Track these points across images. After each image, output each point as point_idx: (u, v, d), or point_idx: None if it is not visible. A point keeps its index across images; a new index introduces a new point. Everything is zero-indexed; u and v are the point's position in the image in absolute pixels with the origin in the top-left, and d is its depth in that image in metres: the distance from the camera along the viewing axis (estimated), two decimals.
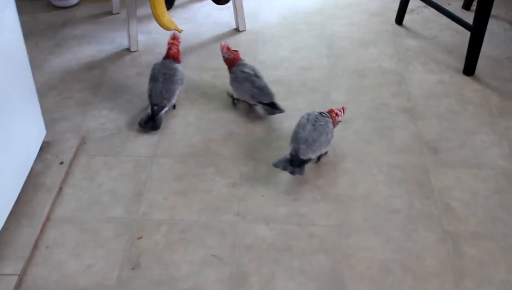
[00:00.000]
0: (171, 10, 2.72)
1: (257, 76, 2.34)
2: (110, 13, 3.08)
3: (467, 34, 2.62)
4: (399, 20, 2.98)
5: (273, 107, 2.32)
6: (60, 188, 2.02)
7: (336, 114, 2.17)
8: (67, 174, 2.08)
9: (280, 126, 2.29)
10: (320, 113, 2.13)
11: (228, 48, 2.39)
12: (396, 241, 1.85)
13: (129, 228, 1.88)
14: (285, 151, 2.17)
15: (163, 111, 2.29)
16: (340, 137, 2.24)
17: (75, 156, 2.16)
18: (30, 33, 2.89)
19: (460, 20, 2.64)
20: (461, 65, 2.63)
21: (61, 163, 2.10)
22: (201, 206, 1.96)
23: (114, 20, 3.03)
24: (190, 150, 2.19)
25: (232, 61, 2.39)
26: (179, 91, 2.37)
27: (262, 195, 2.00)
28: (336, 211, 1.94)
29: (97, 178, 2.07)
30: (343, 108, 2.20)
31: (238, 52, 2.40)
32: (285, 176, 2.06)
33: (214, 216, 1.93)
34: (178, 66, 2.40)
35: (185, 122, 2.32)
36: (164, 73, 2.34)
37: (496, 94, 2.46)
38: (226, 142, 2.22)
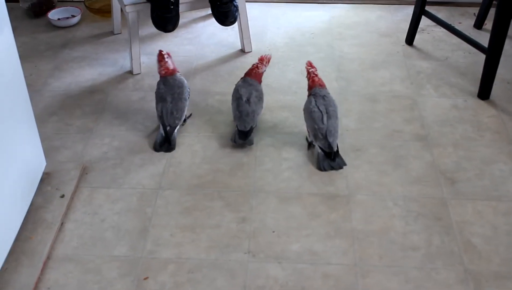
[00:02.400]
0: (175, 31, 2.63)
1: (248, 100, 2.24)
2: (112, 33, 3.00)
3: (479, 54, 2.55)
4: (410, 40, 2.90)
5: (241, 137, 2.23)
6: (62, 224, 1.93)
7: (313, 77, 2.26)
8: (68, 208, 1.99)
9: (289, 156, 2.21)
10: (323, 97, 2.20)
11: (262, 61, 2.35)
12: (416, 281, 1.76)
13: (134, 268, 1.79)
14: (296, 181, 2.09)
15: (176, 130, 2.25)
16: (353, 167, 2.15)
17: (76, 188, 2.07)
18: (28, 54, 2.81)
19: (473, 41, 2.56)
20: (475, 88, 2.55)
21: (62, 196, 2.01)
22: (209, 243, 1.87)
23: (116, 41, 2.94)
24: (197, 181, 2.10)
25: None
26: (187, 105, 2.32)
27: (273, 231, 1.91)
28: (351, 248, 1.85)
29: (99, 212, 1.98)
30: (310, 66, 2.29)
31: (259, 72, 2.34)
32: (296, 209, 1.98)
33: (224, 254, 1.84)
34: (183, 81, 2.33)
35: (191, 151, 2.23)
36: (172, 93, 2.27)
37: None
38: (234, 172, 2.13)
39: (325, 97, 2.20)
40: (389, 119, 2.39)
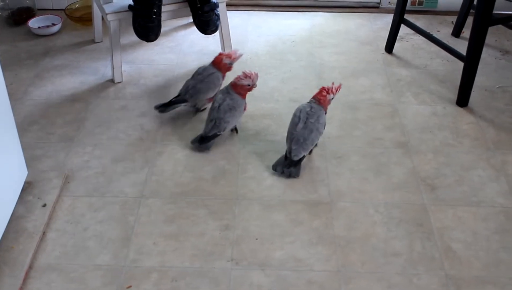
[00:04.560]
0: (156, 40, 2.63)
1: (219, 106, 2.25)
2: (93, 41, 2.99)
3: (458, 62, 2.58)
4: (389, 48, 2.93)
5: (198, 140, 2.26)
6: (44, 233, 1.92)
7: (327, 92, 2.20)
8: (50, 217, 1.98)
9: (272, 163, 2.21)
10: (311, 108, 2.18)
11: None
12: (398, 286, 1.77)
13: (117, 277, 1.79)
14: (279, 189, 2.10)
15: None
16: (335, 174, 2.17)
17: (58, 197, 2.06)
18: (9, 63, 2.80)
19: (451, 49, 2.59)
20: (453, 95, 2.58)
21: (44, 205, 2.00)
22: (193, 251, 1.87)
23: (97, 49, 2.94)
24: (180, 189, 2.10)
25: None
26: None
27: (256, 239, 1.92)
28: (334, 255, 1.87)
29: (82, 221, 1.98)
30: (338, 87, 2.23)
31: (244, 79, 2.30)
32: (279, 217, 1.99)
33: (207, 262, 1.84)
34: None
35: (173, 159, 2.23)
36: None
37: (491, 127, 2.41)
38: (217, 180, 2.14)
39: (312, 109, 2.18)
40: (370, 126, 2.41)
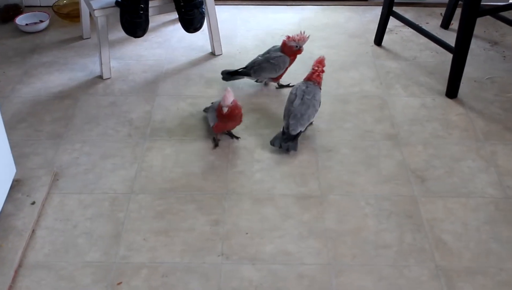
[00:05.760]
0: (145, 35, 2.62)
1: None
2: (81, 38, 2.98)
3: (446, 54, 2.58)
4: (379, 41, 2.93)
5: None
6: (33, 231, 1.91)
7: (319, 74, 2.29)
8: (39, 215, 1.97)
9: (261, 157, 2.21)
10: (307, 86, 2.26)
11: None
12: (389, 278, 1.77)
13: (108, 273, 1.78)
14: (268, 183, 2.10)
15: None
16: (325, 168, 2.16)
17: (47, 194, 2.05)
18: None
19: (440, 41, 2.59)
20: (443, 87, 2.58)
21: (33, 203, 1.99)
22: (183, 246, 1.87)
23: (85, 46, 2.92)
24: (169, 185, 2.09)
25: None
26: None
27: (247, 233, 1.91)
28: (325, 248, 1.86)
29: (71, 218, 1.97)
30: (320, 62, 2.31)
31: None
32: (269, 211, 1.98)
33: (197, 257, 1.83)
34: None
35: (162, 155, 2.22)
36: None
37: (481, 118, 2.42)
38: (206, 175, 2.13)
39: (308, 87, 2.26)
40: (360, 119, 2.41)
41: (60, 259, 1.83)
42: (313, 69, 2.31)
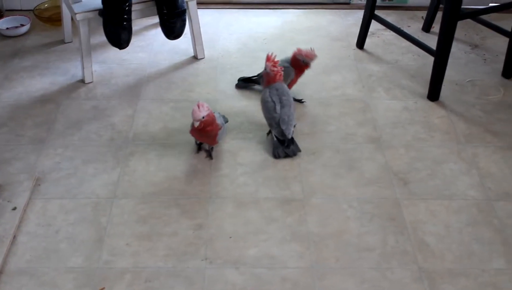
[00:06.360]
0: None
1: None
2: (63, 42, 2.96)
3: (428, 57, 2.59)
4: (361, 44, 2.94)
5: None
6: (14, 237, 1.89)
7: (280, 73, 2.28)
8: (21, 220, 1.95)
9: (245, 161, 2.21)
10: (276, 89, 2.26)
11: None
12: (372, 281, 1.78)
13: (90, 279, 1.77)
14: (251, 187, 2.09)
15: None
16: (308, 171, 2.17)
17: (29, 200, 2.03)
18: None
19: (422, 44, 2.61)
20: (424, 90, 2.60)
21: (14, 208, 1.97)
22: (166, 251, 1.86)
23: (67, 50, 2.91)
24: (152, 189, 2.09)
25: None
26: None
27: (230, 237, 1.91)
28: (308, 251, 1.87)
29: (53, 223, 1.95)
30: (273, 61, 2.28)
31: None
32: (253, 214, 1.98)
33: (181, 261, 1.83)
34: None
35: (145, 159, 2.22)
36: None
37: (462, 120, 2.43)
38: (190, 179, 2.13)
39: (278, 88, 2.26)
40: (342, 122, 2.42)
41: (42, 265, 1.81)
42: (272, 71, 2.27)
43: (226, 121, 2.33)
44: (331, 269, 1.81)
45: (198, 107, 2.06)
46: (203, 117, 2.06)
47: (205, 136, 2.15)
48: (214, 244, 1.88)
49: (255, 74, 2.58)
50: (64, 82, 2.66)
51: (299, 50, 2.44)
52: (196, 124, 2.07)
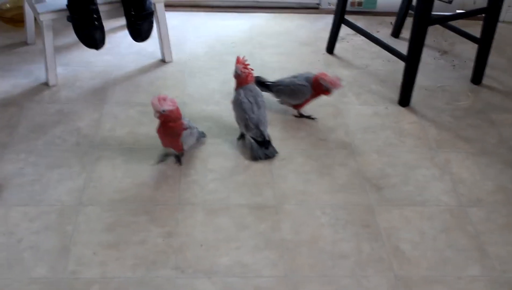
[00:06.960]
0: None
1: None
2: (25, 43, 2.87)
3: (398, 62, 2.58)
4: (330, 49, 2.92)
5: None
6: None
7: (252, 74, 2.24)
8: None
9: (215, 167, 2.16)
10: (250, 90, 2.22)
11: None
12: (347, 289, 1.74)
13: None
14: (222, 193, 2.04)
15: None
16: (280, 177, 2.13)
17: None
18: None
19: (393, 49, 2.59)
20: (395, 95, 2.58)
21: None
22: (135, 260, 1.79)
23: (30, 51, 2.82)
24: (120, 196, 2.02)
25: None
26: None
27: (201, 245, 1.85)
28: (282, 259, 1.82)
29: (16, 232, 1.87)
30: (243, 63, 2.23)
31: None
32: (224, 221, 1.93)
33: (150, 271, 1.76)
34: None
35: (112, 164, 2.15)
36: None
37: (433, 126, 2.42)
38: (158, 185, 2.07)
39: (252, 89, 2.22)
40: (313, 128, 2.39)
41: (4, 276, 1.73)
42: (243, 73, 2.22)
43: (203, 136, 2.27)
44: (306, 277, 1.77)
45: (159, 100, 1.99)
46: (163, 111, 1.99)
47: (169, 134, 2.08)
48: (185, 253, 1.83)
49: (272, 81, 2.47)
50: (27, 84, 2.57)
51: (324, 75, 2.32)
52: (156, 115, 2.01)
